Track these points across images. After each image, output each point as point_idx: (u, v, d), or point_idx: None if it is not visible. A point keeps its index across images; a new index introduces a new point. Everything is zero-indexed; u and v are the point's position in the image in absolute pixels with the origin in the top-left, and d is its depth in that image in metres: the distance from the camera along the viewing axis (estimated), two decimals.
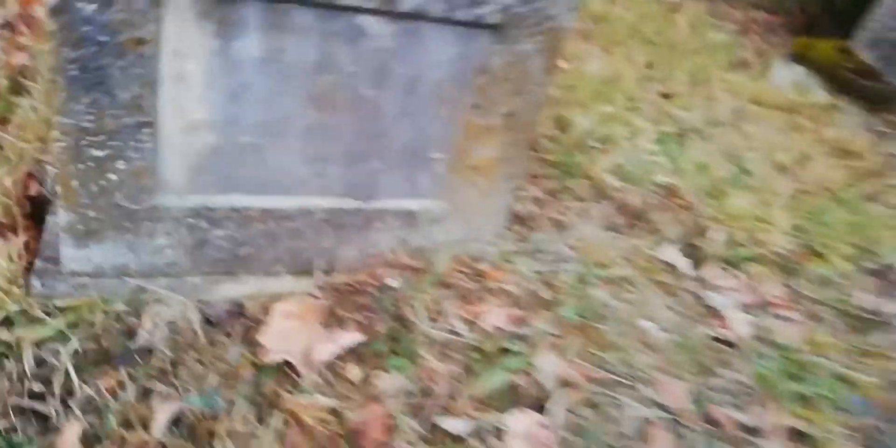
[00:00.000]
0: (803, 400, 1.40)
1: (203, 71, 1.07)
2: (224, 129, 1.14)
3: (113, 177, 1.11)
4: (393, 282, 1.34)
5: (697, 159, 1.97)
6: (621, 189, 1.76)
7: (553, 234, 1.59)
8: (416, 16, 1.12)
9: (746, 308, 1.61)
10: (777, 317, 1.62)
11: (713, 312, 1.56)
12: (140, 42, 1.00)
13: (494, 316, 1.32)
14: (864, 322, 1.66)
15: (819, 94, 2.34)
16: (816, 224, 1.85)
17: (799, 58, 2.44)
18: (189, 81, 1.07)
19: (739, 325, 1.54)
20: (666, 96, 2.31)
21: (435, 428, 1.13)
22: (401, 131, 1.25)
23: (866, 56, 2.29)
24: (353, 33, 1.11)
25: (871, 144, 2.16)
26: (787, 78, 2.45)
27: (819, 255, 1.77)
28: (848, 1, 2.75)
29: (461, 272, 1.39)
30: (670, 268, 1.62)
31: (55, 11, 0.94)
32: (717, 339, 1.48)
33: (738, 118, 2.29)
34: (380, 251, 1.38)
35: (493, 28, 1.17)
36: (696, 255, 1.69)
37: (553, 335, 1.32)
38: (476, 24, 1.16)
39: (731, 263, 1.70)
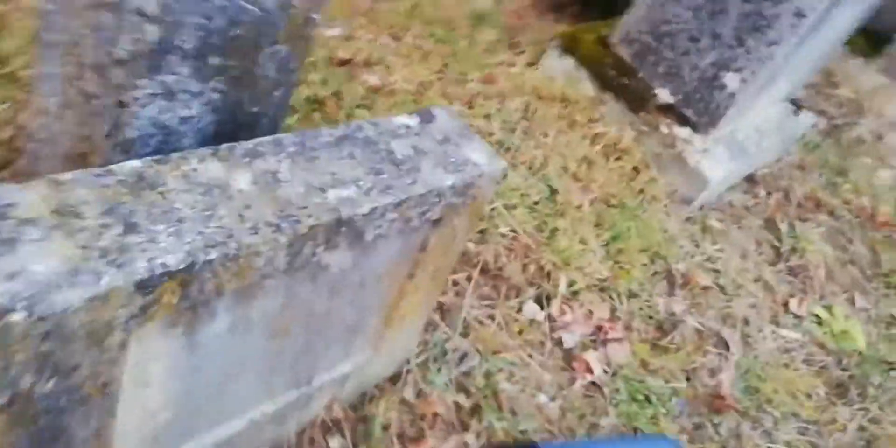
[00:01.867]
0: (654, 419, 1.79)
1: (167, 367, 0.90)
2: (184, 401, 0.99)
3: None
4: (336, 443, 1.35)
5: (517, 186, 2.13)
6: (480, 251, 1.87)
7: (446, 325, 1.68)
8: (375, 241, 1.04)
9: (587, 338, 1.91)
10: (607, 340, 1.95)
11: (573, 356, 1.83)
12: (105, 385, 0.80)
13: None
14: (664, 322, 2.08)
15: (587, 88, 2.60)
16: (616, 240, 2.18)
17: (566, 50, 2.63)
18: (151, 382, 0.90)
19: (594, 364, 1.84)
20: (469, 106, 2.38)
21: None
22: (346, 317, 1.20)
23: (623, 53, 2.57)
24: (316, 273, 1.00)
25: (634, 141, 2.52)
26: (558, 69, 2.65)
27: (625, 271, 2.12)
28: None
29: (395, 408, 1.44)
30: (535, 323, 1.84)
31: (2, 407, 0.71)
32: (591, 385, 1.77)
33: (528, 118, 2.46)
34: (314, 415, 1.35)
35: (436, 221, 1.14)
36: (545, 297, 1.93)
37: None
38: (424, 224, 1.12)
39: (571, 297, 1.97)
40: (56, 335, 0.69)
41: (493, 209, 2.00)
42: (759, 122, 2.73)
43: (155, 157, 0.85)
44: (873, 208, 3.21)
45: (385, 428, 1.40)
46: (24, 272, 0.67)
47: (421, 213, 1.07)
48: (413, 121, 1.16)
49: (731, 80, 2.32)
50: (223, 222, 0.82)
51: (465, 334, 1.69)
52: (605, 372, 1.84)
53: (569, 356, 1.83)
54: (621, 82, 2.55)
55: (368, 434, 1.37)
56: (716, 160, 2.46)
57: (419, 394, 1.51)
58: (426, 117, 1.19)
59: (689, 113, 2.46)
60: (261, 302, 0.95)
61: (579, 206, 2.22)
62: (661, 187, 2.45)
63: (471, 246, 1.90)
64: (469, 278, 1.83)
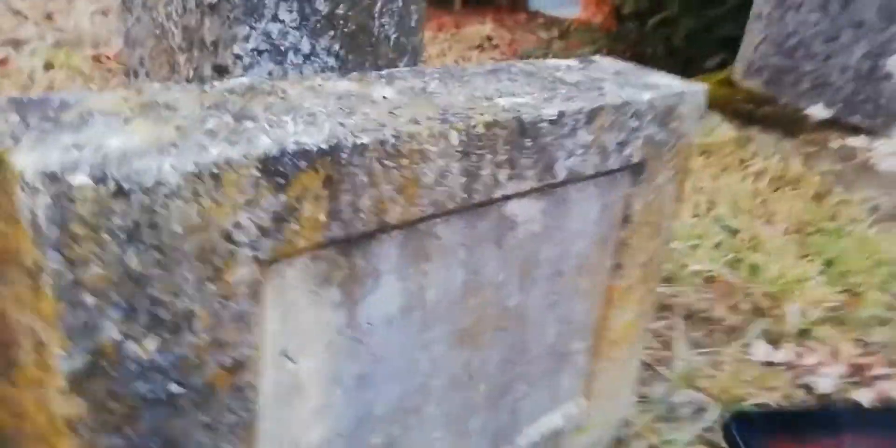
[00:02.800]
0: None
1: (323, 364, 0.61)
2: (351, 437, 0.68)
3: None
4: None
5: (689, 231, 1.80)
6: (675, 295, 1.52)
7: (663, 374, 1.29)
8: (567, 181, 0.76)
9: (844, 381, 1.44)
10: (873, 379, 1.47)
11: (836, 403, 1.36)
12: (235, 367, 0.52)
13: None
14: None
15: (726, 131, 2.33)
16: (832, 265, 1.76)
17: None
18: (304, 389, 0.61)
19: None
20: None
21: None
22: (545, 333, 0.87)
23: (754, 85, 2.33)
24: (501, 230, 0.72)
25: (804, 166, 2.18)
26: None
27: (858, 295, 1.67)
28: (684, 39, 2.84)
29: None
30: (773, 368, 1.40)
31: (76, 379, 0.44)
32: None
33: None
34: None
35: (637, 167, 0.86)
36: (771, 337, 1.50)
37: None
38: (623, 168, 0.84)
39: (803, 333, 1.53)
40: (147, 236, 0.43)
41: (673, 252, 1.66)
42: None
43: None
44: None
45: None
46: (92, 145, 0.43)
47: (619, 143, 0.79)
48: (571, 62, 0.93)
49: (894, 65, 2.00)
50: (371, 116, 0.57)
51: (690, 386, 1.28)
52: None
53: (829, 402, 1.36)
54: (763, 113, 2.27)
55: None
56: None
57: None
58: (585, 61, 0.96)
59: (856, 119, 2.12)
60: (437, 268, 0.67)
61: (770, 240, 1.84)
62: (857, 206, 2.04)
63: (664, 290, 1.54)
64: (671, 327, 1.45)
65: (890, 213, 2.02)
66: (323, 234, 0.53)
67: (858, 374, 1.47)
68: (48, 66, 2.86)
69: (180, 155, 0.44)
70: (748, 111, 2.30)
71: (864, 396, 1.38)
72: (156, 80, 0.87)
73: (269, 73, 0.80)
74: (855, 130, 2.12)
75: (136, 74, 0.87)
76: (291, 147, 0.49)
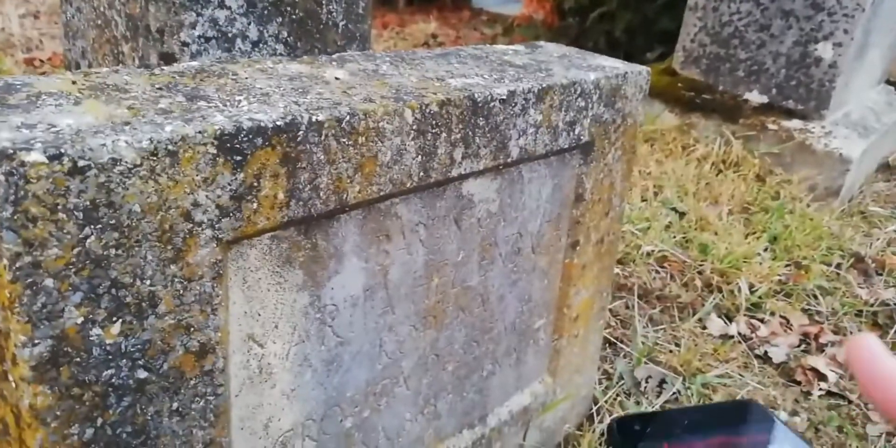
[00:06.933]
0: None
1: (291, 347, 0.61)
2: (322, 422, 0.67)
3: None
4: None
5: (639, 215, 1.84)
6: (628, 274, 1.55)
7: (625, 351, 1.32)
8: (521, 160, 0.78)
9: (796, 349, 1.50)
10: (823, 346, 1.53)
11: (791, 369, 1.41)
12: (202, 351, 0.52)
13: None
14: (878, 316, 1.65)
15: (668, 119, 2.39)
16: (777, 241, 1.82)
17: None
18: (273, 373, 0.60)
19: (825, 370, 1.41)
20: None
21: None
22: (507, 311, 0.89)
23: (693, 73, 2.40)
24: (459, 209, 0.73)
25: (744, 149, 2.25)
26: None
27: (803, 268, 1.74)
28: (624, 33, 2.91)
29: None
30: (729, 341, 1.45)
31: (40, 367, 0.43)
32: (830, 394, 1.34)
33: None
34: None
35: (586, 146, 0.88)
36: (725, 311, 1.55)
37: None
38: (573, 147, 0.85)
39: (754, 307, 1.59)
40: (105, 216, 0.43)
41: (624, 234, 1.70)
42: (866, 103, 2.44)
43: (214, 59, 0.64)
44: None
45: None
46: (44, 124, 0.43)
47: (568, 123, 0.81)
48: (517, 47, 0.95)
49: (823, 50, 2.09)
50: (325, 96, 0.58)
51: (651, 361, 1.31)
52: (842, 377, 1.40)
53: (786, 370, 1.41)
54: (703, 100, 2.34)
55: None
56: (844, 139, 2.14)
57: None
58: (530, 45, 0.98)
59: (790, 104, 2.20)
60: (398, 248, 0.67)
61: (717, 219, 1.89)
62: (797, 185, 2.12)
63: (619, 271, 1.57)
64: (629, 306, 1.49)
65: (827, 191, 2.10)
66: (283, 213, 0.53)
67: (808, 343, 1.53)
68: None
69: (135, 132, 0.44)
70: (689, 99, 2.36)
71: (818, 362, 1.44)
72: None
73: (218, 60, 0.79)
74: (790, 114, 2.20)
75: (78, 67, 0.86)
76: (247, 124, 0.48)
